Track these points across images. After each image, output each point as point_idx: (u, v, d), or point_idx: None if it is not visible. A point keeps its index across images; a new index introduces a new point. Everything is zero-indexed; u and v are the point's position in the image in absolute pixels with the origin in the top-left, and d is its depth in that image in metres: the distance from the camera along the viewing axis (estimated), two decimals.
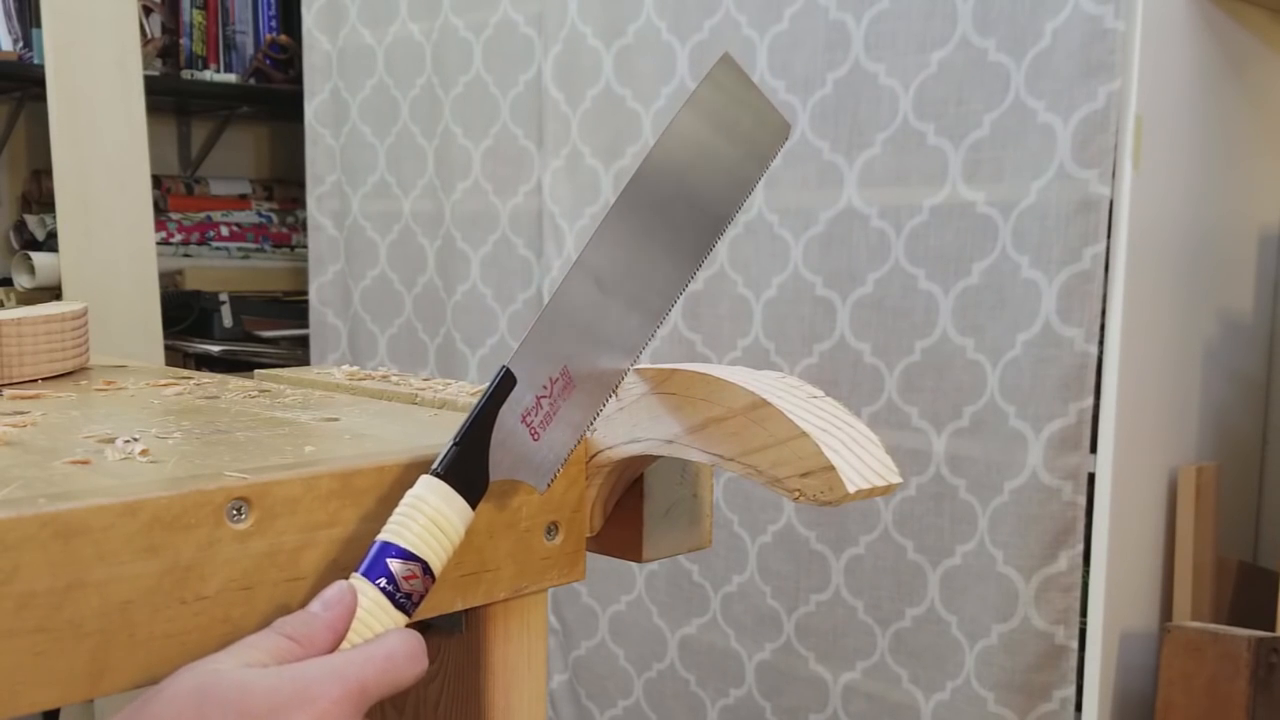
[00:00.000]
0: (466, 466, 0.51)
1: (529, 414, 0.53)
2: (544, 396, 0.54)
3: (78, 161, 1.66)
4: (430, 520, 0.49)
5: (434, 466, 0.51)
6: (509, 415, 0.53)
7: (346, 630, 0.47)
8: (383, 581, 0.48)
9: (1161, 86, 1.43)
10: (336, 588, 0.48)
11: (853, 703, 1.66)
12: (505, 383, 0.53)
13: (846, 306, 1.61)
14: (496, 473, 0.52)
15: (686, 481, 0.65)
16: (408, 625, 0.49)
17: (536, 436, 0.53)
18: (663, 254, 0.57)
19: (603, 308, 0.56)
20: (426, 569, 0.49)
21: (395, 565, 0.48)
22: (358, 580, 0.48)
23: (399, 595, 0.48)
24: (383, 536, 0.49)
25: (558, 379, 0.54)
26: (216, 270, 2.68)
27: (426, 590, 0.49)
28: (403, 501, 0.50)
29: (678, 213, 0.58)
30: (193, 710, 0.41)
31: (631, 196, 0.57)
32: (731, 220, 0.59)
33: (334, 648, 0.47)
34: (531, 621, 0.60)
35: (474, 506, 0.51)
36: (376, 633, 0.47)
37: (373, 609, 0.48)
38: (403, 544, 0.48)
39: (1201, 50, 1.52)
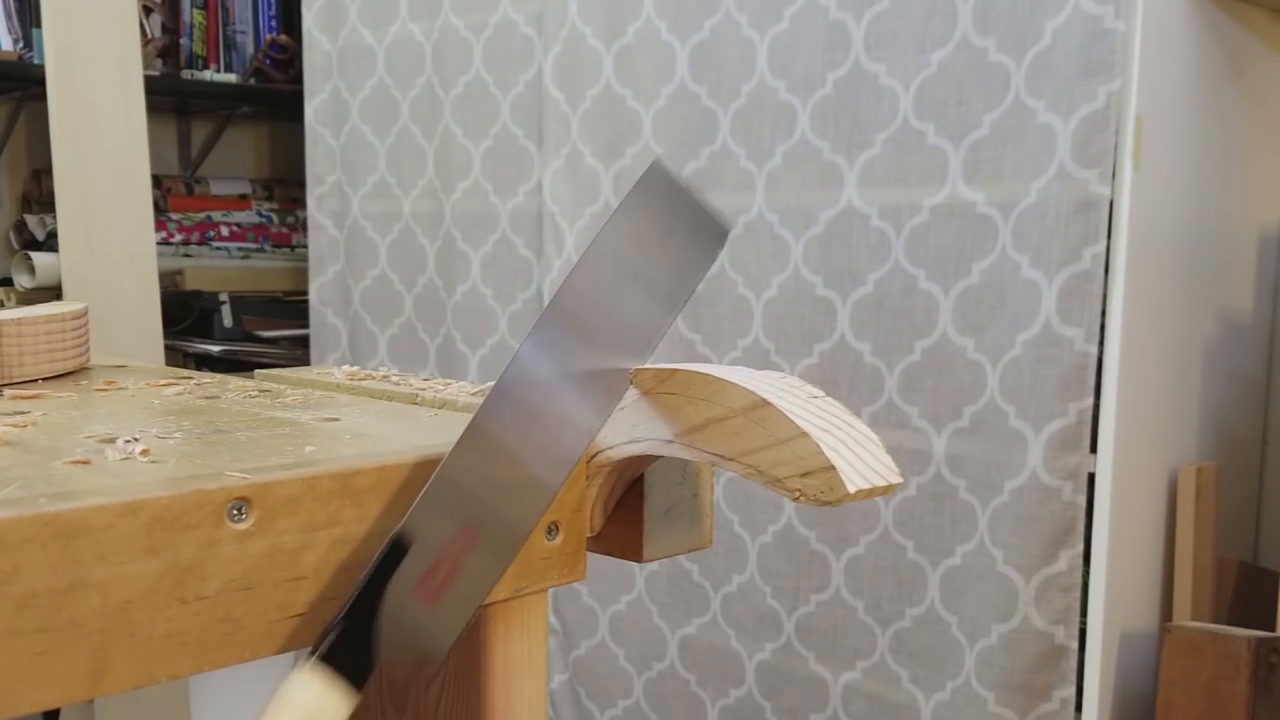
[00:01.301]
0: (351, 647, 0.47)
1: (425, 579, 0.49)
2: (442, 560, 0.49)
3: (78, 161, 1.66)
4: (307, 711, 0.46)
5: (313, 650, 0.47)
6: (401, 584, 0.48)
7: None
8: None
9: (1161, 86, 1.43)
10: None
11: (853, 703, 1.66)
12: (393, 553, 0.48)
13: (846, 306, 1.61)
14: (387, 650, 0.48)
15: (686, 481, 0.65)
16: None
17: (432, 602, 0.49)
18: (578, 388, 0.53)
19: (507, 457, 0.51)
20: None
21: None
22: None
23: None
24: None
25: (458, 537, 0.49)
26: (216, 270, 2.68)
27: None
28: (274, 697, 0.46)
29: (600, 337, 0.53)
30: None
31: (548, 324, 0.52)
32: (653, 345, 0.55)
33: None
34: (531, 622, 0.60)
35: (360, 688, 0.47)
36: None
37: None
38: None
39: (1201, 50, 1.52)
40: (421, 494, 0.49)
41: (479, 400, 0.68)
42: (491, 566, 0.51)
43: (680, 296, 0.55)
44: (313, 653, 0.47)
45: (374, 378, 0.80)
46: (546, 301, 1.95)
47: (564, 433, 0.52)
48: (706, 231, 0.56)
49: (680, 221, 0.55)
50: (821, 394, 0.54)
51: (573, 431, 0.53)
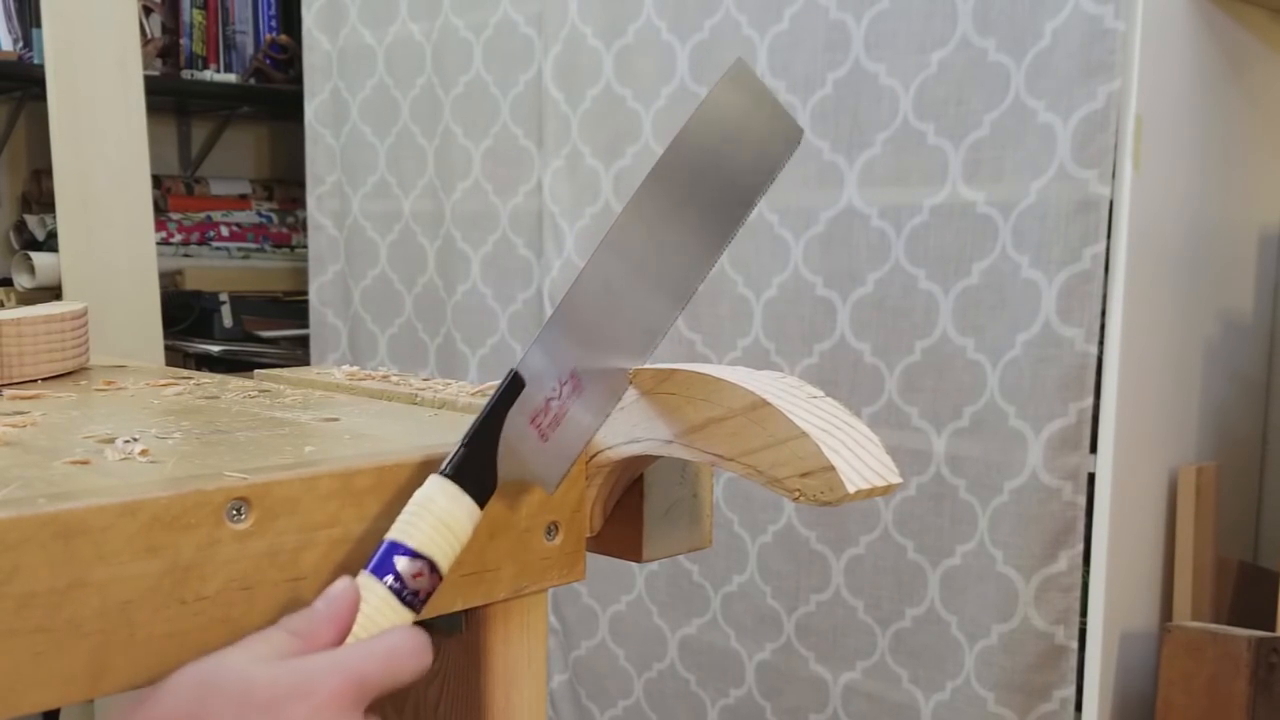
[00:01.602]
0: (475, 467, 0.51)
1: (538, 415, 0.54)
2: (553, 399, 0.54)
3: (78, 161, 1.66)
4: (438, 519, 0.49)
5: (442, 467, 0.51)
6: (518, 417, 0.53)
7: (350, 625, 0.47)
8: (390, 579, 0.48)
9: (1161, 86, 1.43)
10: (340, 583, 0.48)
11: (853, 703, 1.66)
12: (514, 385, 0.53)
13: (846, 306, 1.61)
14: (505, 474, 0.52)
15: (686, 481, 0.65)
16: (414, 624, 0.49)
17: (545, 438, 0.54)
18: (688, 236, 0.58)
19: (615, 306, 0.56)
20: (434, 567, 0.49)
21: (403, 563, 0.48)
22: (365, 578, 0.49)
23: (406, 593, 0.48)
24: (391, 535, 0.49)
25: (566, 381, 0.54)
26: (216, 270, 2.68)
27: (434, 588, 0.49)
28: (411, 500, 0.50)
29: (702, 196, 0.58)
30: (195, 701, 0.42)
31: (655, 182, 0.57)
32: (754, 205, 0.60)
33: (338, 642, 0.47)
34: (531, 621, 0.60)
35: (482, 507, 0.51)
36: (382, 629, 0.48)
37: (380, 606, 0.48)
38: (411, 543, 0.49)
39: (1201, 50, 1.52)
40: (536, 338, 0.54)
41: (479, 400, 0.68)
42: (592, 417, 0.56)
43: (770, 171, 0.62)
44: (442, 470, 0.51)
45: (374, 378, 0.80)
46: (546, 302, 1.95)
47: (648, 310, 0.58)
48: (783, 127, 0.63)
49: (762, 110, 0.61)
50: (821, 394, 0.54)
51: (654, 314, 0.58)
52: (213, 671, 0.43)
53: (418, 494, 0.50)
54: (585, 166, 1.88)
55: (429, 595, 0.49)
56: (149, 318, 1.74)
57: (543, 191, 1.93)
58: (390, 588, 0.48)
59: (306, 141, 2.30)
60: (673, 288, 0.59)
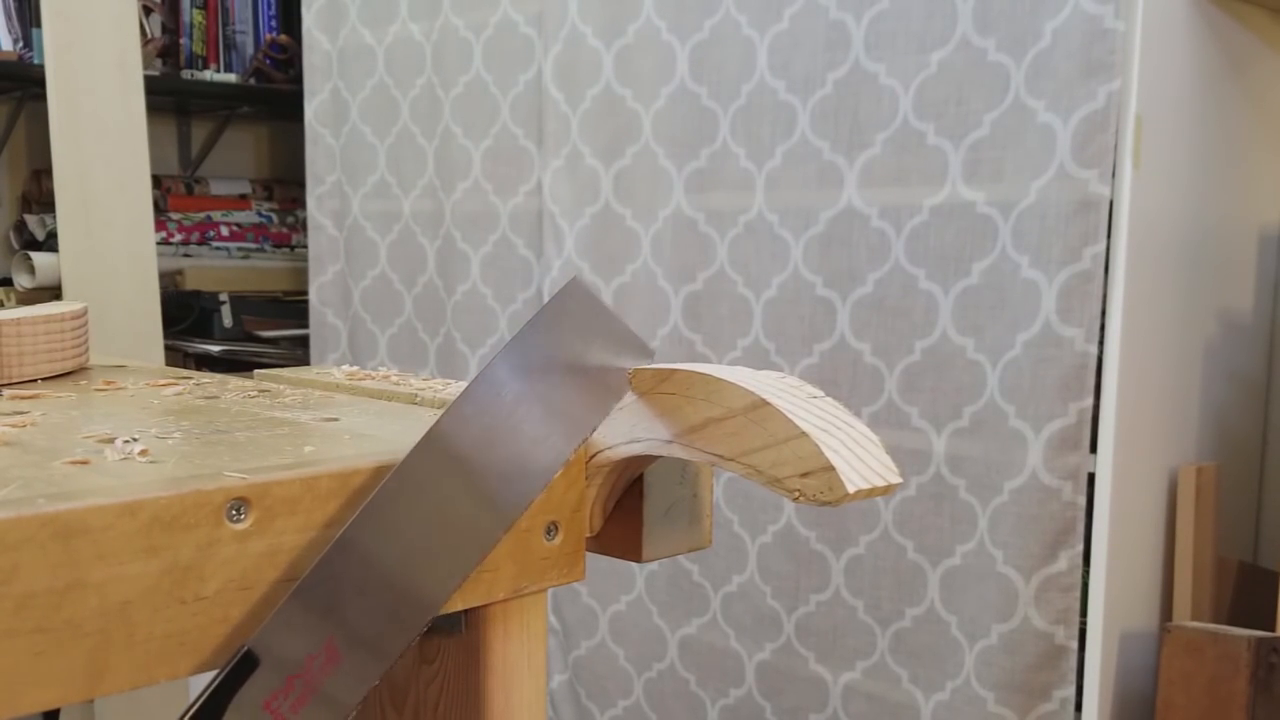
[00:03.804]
0: None
1: (276, 697, 0.44)
2: (297, 676, 0.45)
3: (78, 161, 1.66)
4: None
5: None
6: (248, 702, 0.44)
7: None
8: None
9: (1161, 86, 1.43)
10: None
11: (853, 703, 1.66)
12: (242, 665, 0.44)
13: (846, 306, 1.61)
14: None
15: (686, 481, 0.65)
16: None
17: None
18: (478, 503, 0.50)
19: (384, 573, 0.47)
20: None
21: None
22: None
23: None
24: None
25: (318, 655, 0.45)
26: (216, 270, 2.68)
27: None
28: None
29: (501, 454, 0.50)
30: None
31: (441, 435, 0.48)
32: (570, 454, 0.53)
33: None
34: (531, 621, 0.60)
35: None
36: None
37: None
38: None
39: (1201, 50, 1.52)
40: (279, 607, 0.45)
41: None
42: (354, 686, 0.47)
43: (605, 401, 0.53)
44: None
45: (374, 378, 0.80)
46: (546, 302, 1.94)
47: (420, 579, 0.48)
48: (629, 348, 0.54)
49: (599, 336, 0.53)
50: (821, 394, 0.54)
51: (428, 584, 0.48)
52: None
53: None
54: (585, 166, 1.88)
55: None
56: (149, 318, 1.74)
57: (543, 191, 1.93)
58: None
59: (306, 141, 2.30)
60: (454, 555, 0.49)
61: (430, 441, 0.48)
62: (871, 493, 0.49)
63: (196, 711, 0.44)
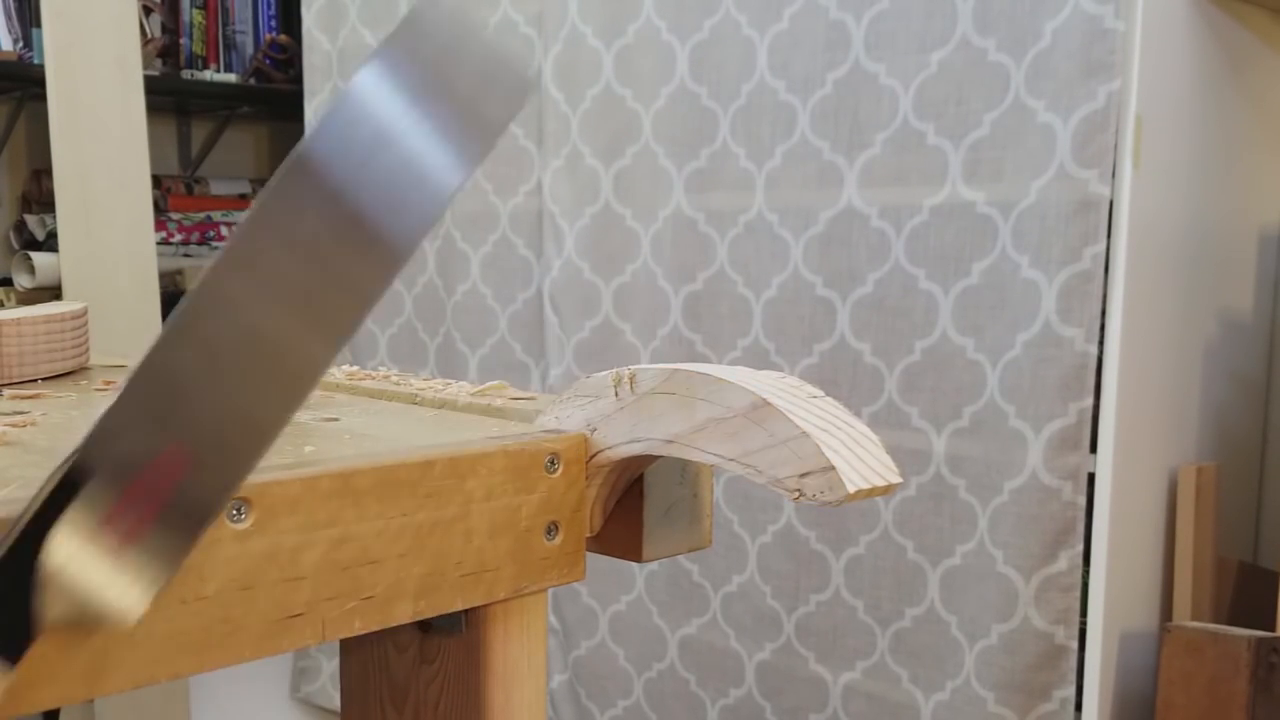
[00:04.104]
0: (3, 612, 0.36)
1: (113, 516, 0.36)
2: (139, 485, 0.36)
3: (78, 161, 1.66)
4: None
5: None
6: (77, 526, 0.36)
7: None
8: None
9: (1161, 86, 1.43)
10: None
11: (853, 703, 1.66)
12: (66, 485, 0.35)
13: (846, 306, 1.61)
14: (55, 614, 0.36)
15: (686, 481, 0.65)
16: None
17: (132, 541, 0.36)
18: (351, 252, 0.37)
19: (243, 334, 0.36)
20: None
21: None
22: None
23: None
24: None
25: (164, 457, 0.36)
26: None
27: None
28: None
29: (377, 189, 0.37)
30: None
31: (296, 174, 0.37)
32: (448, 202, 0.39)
33: None
34: (531, 621, 0.60)
35: (14, 661, 0.36)
36: None
37: None
38: None
39: (1201, 50, 1.52)
40: (108, 408, 0.36)
41: (480, 400, 0.68)
42: (218, 491, 0.38)
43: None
44: None
45: (374, 378, 0.80)
46: (547, 302, 1.95)
47: (296, 347, 0.37)
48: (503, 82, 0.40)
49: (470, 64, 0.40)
50: (821, 394, 0.54)
51: (304, 352, 0.37)
52: None
53: None
54: (585, 166, 1.88)
55: None
56: (149, 318, 1.74)
57: (543, 191, 1.93)
58: None
59: None
60: (335, 307, 0.37)
61: (294, 167, 0.36)
62: (871, 493, 0.49)
63: (16, 540, 0.35)
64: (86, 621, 0.37)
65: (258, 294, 0.36)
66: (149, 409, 0.36)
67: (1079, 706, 1.48)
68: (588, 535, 0.61)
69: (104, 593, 0.36)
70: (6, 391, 0.72)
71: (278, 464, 0.51)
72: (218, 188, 2.81)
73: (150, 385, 0.36)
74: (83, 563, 0.36)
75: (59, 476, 0.35)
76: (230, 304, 0.36)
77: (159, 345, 0.35)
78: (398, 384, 0.77)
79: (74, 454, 0.35)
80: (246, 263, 0.36)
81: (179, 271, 2.62)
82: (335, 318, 0.37)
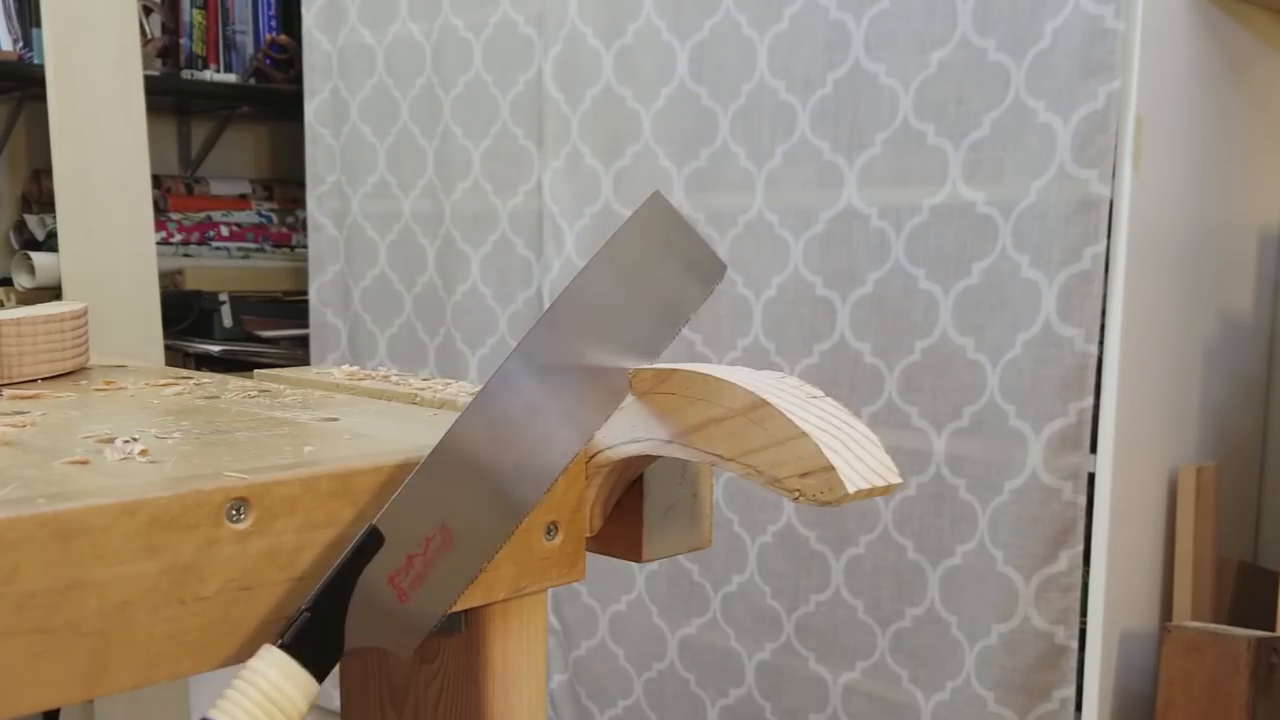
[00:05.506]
0: (317, 635, 0.46)
1: (397, 574, 0.48)
2: (416, 555, 0.49)
3: (78, 161, 1.66)
4: (265, 696, 0.44)
5: (280, 635, 0.46)
6: (373, 577, 0.48)
7: None
8: None
9: (1161, 86, 1.43)
10: None
11: (853, 703, 1.66)
12: (369, 542, 0.48)
13: (846, 306, 1.61)
14: (354, 640, 0.47)
15: (686, 481, 0.65)
16: None
17: (405, 598, 0.49)
18: (585, 381, 0.53)
19: (495, 459, 0.51)
20: None
21: None
22: None
23: None
24: (210, 712, 0.44)
25: (434, 536, 0.49)
26: (216, 270, 2.68)
27: None
28: (238, 674, 0.45)
29: (605, 336, 0.54)
30: None
31: (552, 322, 0.52)
32: (663, 346, 0.55)
33: None
34: (531, 621, 0.60)
35: (322, 678, 0.46)
36: None
37: None
38: None
39: (1201, 50, 1.52)
40: (399, 489, 0.49)
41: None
42: (464, 571, 0.51)
43: (676, 319, 0.56)
44: (279, 639, 0.46)
45: (374, 378, 0.80)
46: (546, 302, 1.95)
47: (544, 451, 0.52)
48: (703, 265, 0.56)
49: (679, 250, 0.55)
50: (821, 394, 0.54)
51: (553, 450, 0.53)
52: None
53: (245, 667, 0.45)
54: (585, 166, 1.88)
55: None
56: (149, 318, 1.74)
57: (542, 191, 1.93)
58: None
59: (306, 141, 2.30)
60: (565, 433, 0.53)
61: (550, 317, 0.52)
62: (871, 493, 0.49)
63: (326, 586, 0.47)
64: (378, 644, 0.48)
65: (505, 422, 0.52)
66: (425, 495, 0.49)
67: (1079, 706, 1.48)
68: (587, 535, 0.61)
69: (388, 630, 0.48)
70: (6, 391, 0.72)
71: (277, 464, 0.50)
72: (218, 188, 2.81)
73: (430, 476, 0.49)
74: (376, 605, 0.48)
75: (362, 538, 0.47)
76: (473, 439, 0.51)
77: (438, 447, 0.49)
78: (398, 384, 0.77)
79: (370, 525, 0.48)
80: (500, 394, 0.51)
81: (179, 271, 2.62)
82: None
